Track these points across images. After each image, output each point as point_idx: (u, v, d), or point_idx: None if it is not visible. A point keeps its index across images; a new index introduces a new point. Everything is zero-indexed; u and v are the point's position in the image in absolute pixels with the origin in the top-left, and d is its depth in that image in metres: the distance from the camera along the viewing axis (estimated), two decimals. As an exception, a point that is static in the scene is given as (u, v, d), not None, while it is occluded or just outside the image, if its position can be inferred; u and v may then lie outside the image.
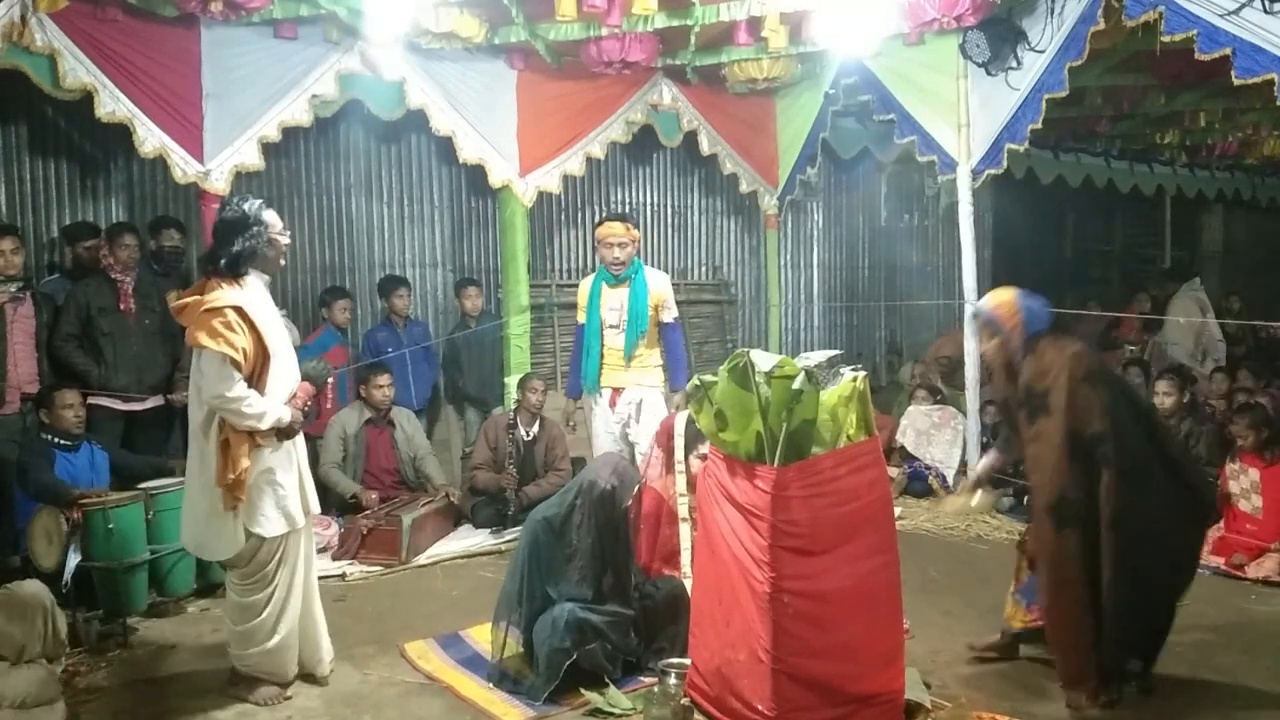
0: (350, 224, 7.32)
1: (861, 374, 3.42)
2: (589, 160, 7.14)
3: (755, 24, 6.11)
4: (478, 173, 6.87)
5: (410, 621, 4.55)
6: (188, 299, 3.52)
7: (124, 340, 5.46)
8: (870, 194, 9.74)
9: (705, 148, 7.66)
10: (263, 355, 3.44)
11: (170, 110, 5.53)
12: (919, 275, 9.85)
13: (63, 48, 5.13)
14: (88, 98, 5.30)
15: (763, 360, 3.22)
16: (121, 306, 5.45)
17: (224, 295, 3.37)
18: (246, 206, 3.55)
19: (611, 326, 5.38)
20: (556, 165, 6.93)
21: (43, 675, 3.46)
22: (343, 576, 5.27)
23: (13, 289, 5.23)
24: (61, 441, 4.85)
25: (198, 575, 4.86)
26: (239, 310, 3.29)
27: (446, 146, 6.85)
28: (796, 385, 3.12)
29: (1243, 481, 5.34)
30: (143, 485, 4.77)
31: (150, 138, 5.48)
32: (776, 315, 8.48)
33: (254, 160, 5.84)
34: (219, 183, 5.73)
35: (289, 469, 3.59)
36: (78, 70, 5.20)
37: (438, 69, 6.35)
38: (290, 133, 6.14)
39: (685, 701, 3.45)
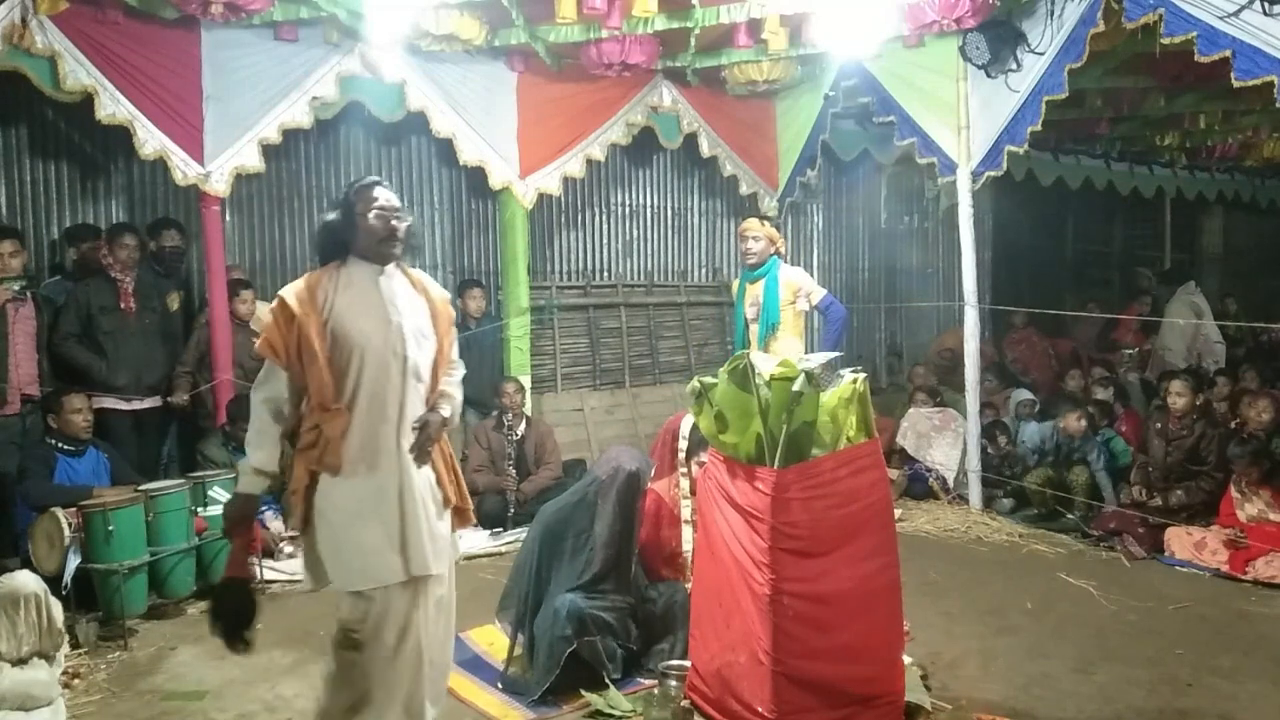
0: (350, 226, 7.30)
1: (861, 376, 3.42)
2: (589, 162, 7.15)
3: (755, 26, 6.12)
4: (478, 175, 6.87)
5: (410, 623, 4.53)
6: None
7: (125, 339, 5.48)
8: (870, 196, 9.74)
9: (705, 150, 7.66)
10: (305, 357, 2.78)
11: (170, 112, 5.54)
12: (919, 277, 9.85)
13: (63, 50, 5.14)
14: (88, 100, 5.31)
15: (763, 362, 3.22)
16: (122, 306, 5.48)
17: (285, 288, 2.89)
18: (347, 186, 3.02)
19: (751, 320, 5.64)
20: (557, 167, 6.94)
21: (43, 676, 3.46)
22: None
23: (15, 289, 5.23)
24: (65, 446, 4.85)
25: (197, 577, 4.86)
26: (281, 302, 2.82)
27: (447, 148, 6.85)
28: (796, 387, 3.12)
29: (1256, 504, 5.35)
30: (143, 487, 4.76)
31: (150, 140, 5.49)
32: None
33: (254, 162, 5.85)
34: (219, 185, 5.74)
35: (374, 515, 2.79)
36: (78, 72, 5.21)
37: (438, 71, 6.36)
38: (290, 135, 6.15)
39: (685, 703, 3.44)
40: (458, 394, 3.14)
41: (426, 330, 2.96)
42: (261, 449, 2.83)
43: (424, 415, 2.91)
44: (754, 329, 5.64)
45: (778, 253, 5.67)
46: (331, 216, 2.92)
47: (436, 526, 2.94)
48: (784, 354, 5.35)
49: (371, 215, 2.87)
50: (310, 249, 3.02)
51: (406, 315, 2.91)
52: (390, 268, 2.95)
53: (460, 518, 3.13)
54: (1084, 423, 6.29)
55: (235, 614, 2.81)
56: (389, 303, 2.90)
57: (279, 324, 2.80)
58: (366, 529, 2.79)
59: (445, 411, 3.00)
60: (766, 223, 5.72)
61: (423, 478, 2.90)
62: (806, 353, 5.44)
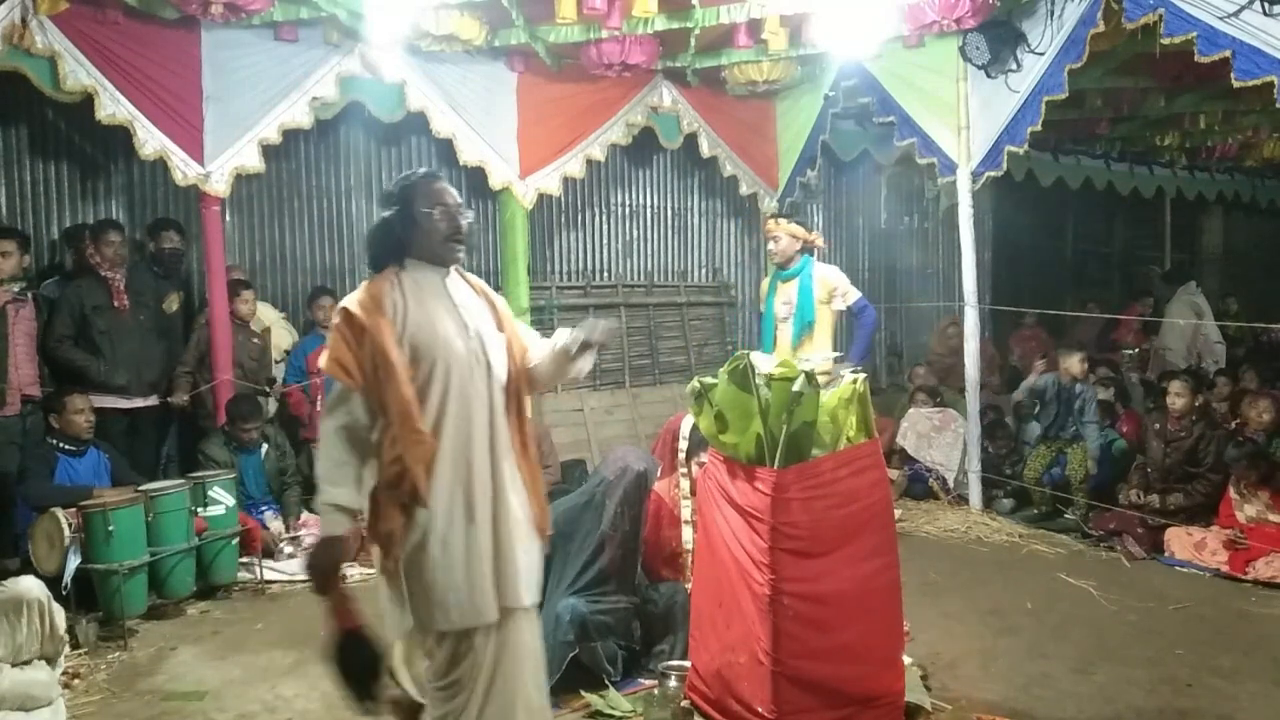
0: (350, 226, 7.32)
1: (861, 376, 3.42)
2: (589, 162, 7.15)
3: (755, 26, 6.12)
4: (478, 175, 6.87)
5: (410, 623, 4.53)
6: None
7: (121, 338, 5.47)
8: (870, 196, 9.75)
9: (705, 150, 7.66)
10: (382, 374, 2.43)
11: (170, 112, 5.54)
12: (919, 277, 9.86)
13: (63, 50, 5.15)
14: (88, 100, 5.31)
15: (763, 362, 3.22)
16: (116, 304, 5.47)
17: (352, 295, 2.56)
18: (391, 183, 2.71)
19: (783, 320, 5.58)
20: (556, 167, 6.95)
21: (43, 677, 3.46)
22: (342, 578, 5.25)
23: (15, 290, 5.23)
24: (66, 446, 4.85)
25: (197, 577, 4.86)
26: (345, 313, 2.47)
27: (447, 149, 6.85)
28: (796, 388, 3.12)
29: (1256, 505, 5.35)
30: (143, 487, 4.76)
31: (150, 140, 5.49)
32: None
33: (254, 162, 5.85)
34: (219, 185, 5.74)
35: (468, 547, 2.48)
36: (78, 72, 5.21)
37: (438, 71, 6.36)
38: (290, 135, 6.15)
39: (685, 704, 3.44)
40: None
41: (498, 336, 2.64)
42: (342, 484, 2.44)
43: (588, 322, 2.64)
44: (784, 328, 5.55)
45: (810, 249, 5.59)
46: (388, 214, 2.58)
47: (529, 553, 2.61)
48: (818, 355, 5.38)
49: (436, 212, 2.56)
50: (364, 251, 2.80)
51: (480, 320, 2.61)
52: (452, 270, 2.65)
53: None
54: (1085, 365, 6.28)
55: (362, 669, 2.47)
56: (461, 308, 2.59)
57: (346, 339, 2.44)
58: (460, 563, 2.46)
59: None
60: (784, 220, 5.59)
61: (517, 500, 2.59)
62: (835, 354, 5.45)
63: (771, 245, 5.57)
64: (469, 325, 2.57)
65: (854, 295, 5.54)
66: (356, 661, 2.47)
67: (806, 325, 5.47)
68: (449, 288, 2.61)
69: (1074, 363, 6.31)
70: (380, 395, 2.43)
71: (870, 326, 5.57)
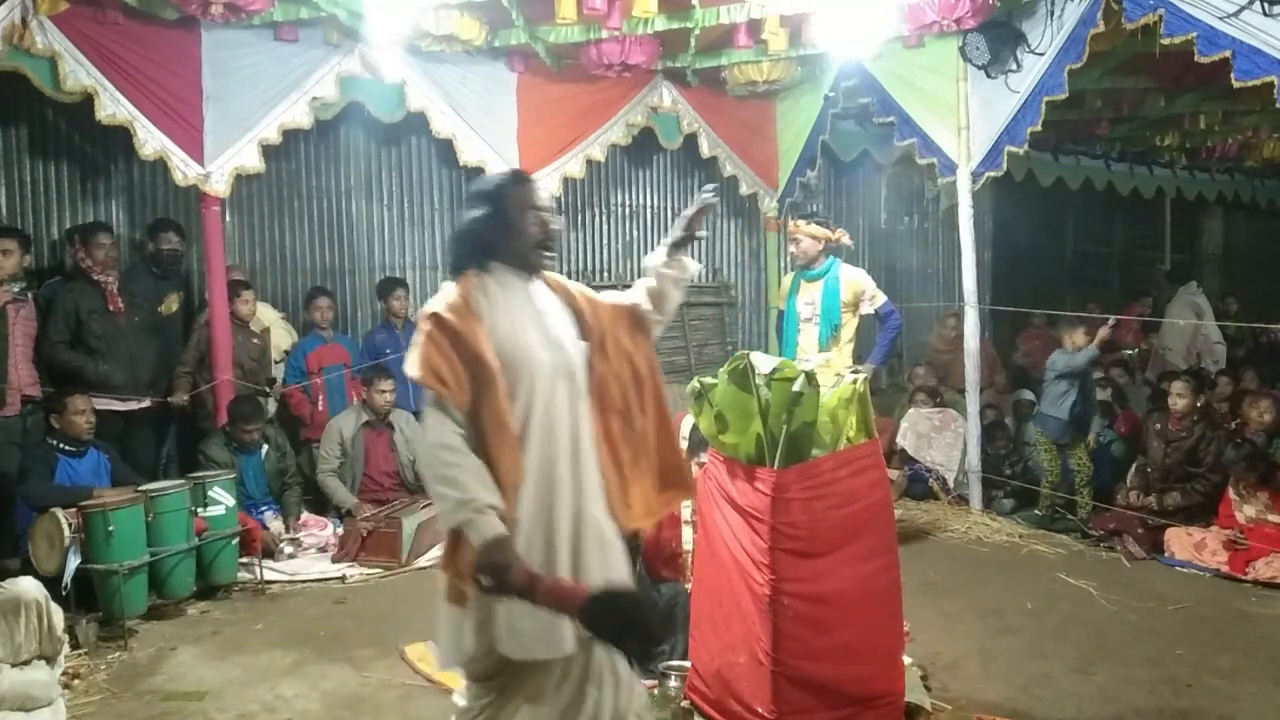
0: (350, 226, 7.32)
1: (862, 376, 3.42)
2: (589, 163, 7.15)
3: (755, 26, 6.12)
4: (478, 175, 6.86)
5: (410, 624, 4.53)
6: None
7: (117, 341, 5.46)
8: (870, 196, 9.74)
9: (705, 150, 7.66)
10: (478, 382, 2.30)
11: (170, 113, 5.54)
12: (919, 277, 9.85)
13: (63, 50, 5.14)
14: (88, 100, 5.31)
15: (763, 363, 3.22)
16: (111, 308, 5.45)
17: (433, 300, 2.41)
18: (481, 181, 2.61)
19: (806, 320, 5.52)
20: (557, 168, 6.94)
21: (43, 677, 3.46)
22: (343, 579, 5.27)
23: (15, 290, 5.23)
24: (66, 446, 4.85)
25: (197, 578, 4.86)
26: (436, 318, 2.33)
27: (447, 149, 6.86)
28: (796, 388, 3.12)
29: (1255, 505, 5.35)
30: (143, 487, 4.76)
31: (150, 140, 5.49)
32: (777, 318, 8.47)
33: (254, 163, 5.85)
34: (219, 185, 5.74)
35: (547, 569, 2.32)
36: (78, 73, 5.21)
37: (438, 71, 6.36)
38: (290, 135, 6.15)
39: (685, 704, 3.44)
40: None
41: (580, 345, 2.49)
42: (484, 484, 2.25)
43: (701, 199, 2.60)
44: (808, 329, 5.47)
45: (837, 249, 5.53)
46: (479, 215, 2.45)
47: (613, 570, 2.42)
48: (845, 358, 5.37)
49: (530, 216, 2.45)
50: (450, 252, 2.63)
51: (563, 329, 2.47)
52: (536, 276, 2.52)
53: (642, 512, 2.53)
54: (1088, 335, 6.26)
55: (630, 623, 2.20)
56: (545, 315, 2.46)
57: (439, 345, 2.29)
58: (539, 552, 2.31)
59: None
60: (803, 222, 5.48)
61: (599, 513, 2.42)
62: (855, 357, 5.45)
63: (793, 248, 5.51)
64: (552, 333, 2.44)
65: (880, 299, 5.47)
66: (620, 620, 2.18)
67: (834, 328, 5.40)
68: (533, 295, 2.48)
69: (1079, 336, 6.28)
70: (474, 405, 2.29)
71: (894, 331, 5.52)
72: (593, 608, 2.18)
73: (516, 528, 2.28)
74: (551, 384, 2.38)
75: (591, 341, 2.50)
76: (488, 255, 2.45)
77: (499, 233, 2.44)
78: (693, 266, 2.71)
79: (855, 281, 5.45)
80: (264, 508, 5.76)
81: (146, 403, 5.67)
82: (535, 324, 2.42)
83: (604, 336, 2.53)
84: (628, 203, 8.48)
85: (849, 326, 5.43)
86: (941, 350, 8.14)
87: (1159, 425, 5.88)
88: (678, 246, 2.66)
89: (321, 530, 5.84)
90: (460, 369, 2.28)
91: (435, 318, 2.33)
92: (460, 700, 2.50)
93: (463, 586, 2.30)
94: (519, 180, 2.51)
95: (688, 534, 3.99)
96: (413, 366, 2.32)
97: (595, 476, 2.44)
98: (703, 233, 2.71)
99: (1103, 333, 6.12)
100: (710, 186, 2.65)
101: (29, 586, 3.60)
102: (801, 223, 5.48)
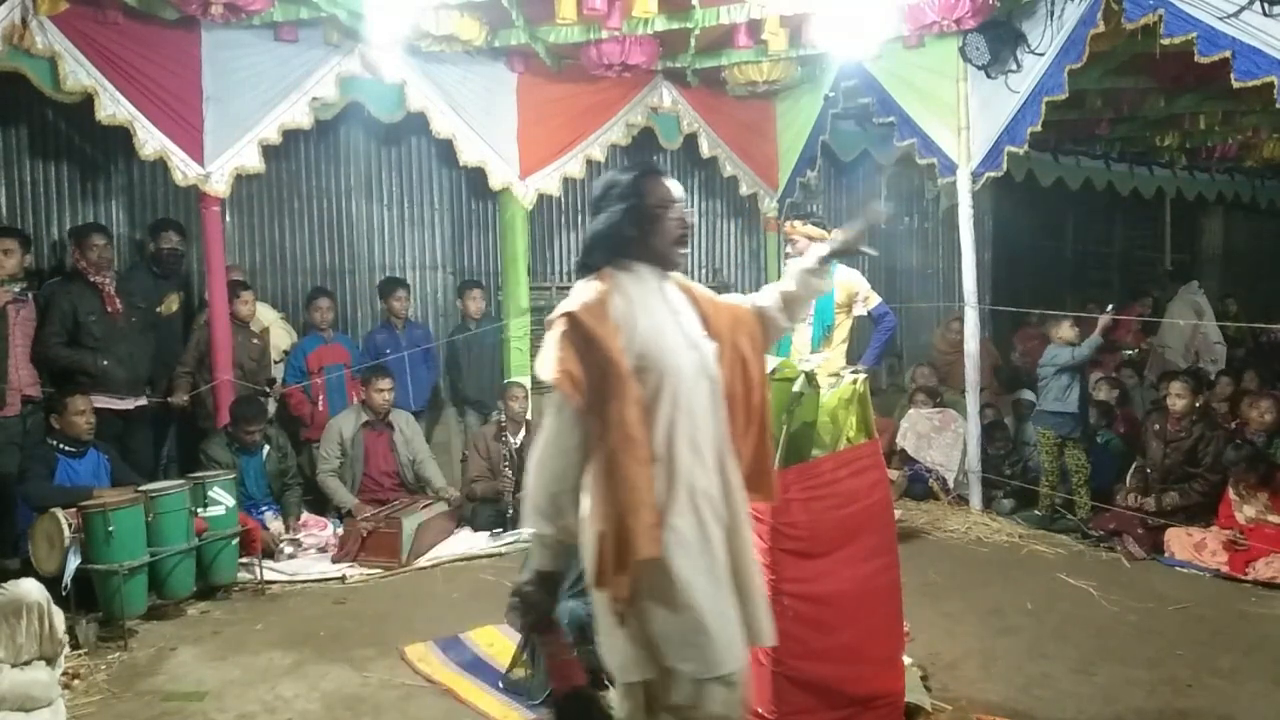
0: (350, 226, 7.32)
1: (862, 376, 3.42)
2: (589, 163, 7.14)
3: (755, 27, 6.12)
4: (478, 175, 6.88)
5: (410, 624, 4.55)
6: None
7: (115, 341, 5.45)
8: (870, 196, 9.73)
9: (705, 150, 7.66)
10: (609, 389, 2.17)
11: (170, 113, 5.54)
12: (919, 278, 9.85)
13: (63, 50, 5.15)
14: (88, 100, 5.31)
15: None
16: (109, 309, 5.44)
17: (567, 300, 2.30)
18: (614, 176, 2.43)
19: (800, 320, 5.45)
20: (556, 168, 6.95)
21: (43, 677, 3.46)
22: (343, 579, 5.27)
23: (16, 289, 5.23)
24: (66, 447, 4.85)
25: (197, 578, 4.86)
26: (571, 318, 2.21)
27: (447, 149, 6.86)
28: (797, 388, 3.12)
29: (1255, 505, 5.35)
30: (143, 488, 4.76)
31: (150, 140, 5.49)
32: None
33: (254, 163, 5.85)
34: (219, 185, 5.75)
35: (711, 581, 2.22)
36: (78, 73, 5.21)
37: (438, 72, 6.36)
38: (290, 135, 6.15)
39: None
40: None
41: (711, 344, 2.38)
42: (566, 514, 2.19)
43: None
44: (801, 330, 5.43)
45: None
46: (618, 210, 2.33)
47: (762, 603, 2.33)
48: (837, 359, 5.35)
49: (670, 211, 2.35)
50: (584, 250, 2.41)
51: (696, 329, 2.36)
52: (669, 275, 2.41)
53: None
54: (1076, 329, 6.26)
55: None
56: (679, 314, 2.35)
57: (574, 348, 2.17)
58: (707, 601, 2.19)
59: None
60: (799, 223, 5.41)
61: (750, 532, 2.34)
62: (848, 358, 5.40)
63: (789, 249, 5.48)
64: (691, 335, 2.32)
65: (875, 300, 5.46)
66: None
67: (826, 329, 5.39)
68: (667, 294, 2.37)
69: (1065, 329, 6.28)
70: (601, 412, 2.16)
71: (889, 332, 5.51)
72: (573, 701, 2.23)
73: (669, 538, 2.16)
74: (694, 385, 2.26)
75: (718, 345, 2.40)
76: (625, 253, 2.34)
77: (639, 229, 2.33)
78: (827, 284, 2.62)
79: (850, 282, 5.44)
80: (264, 508, 5.76)
81: (144, 401, 5.66)
82: (674, 323, 2.31)
83: (724, 340, 2.42)
84: (628, 203, 8.46)
85: (842, 327, 5.43)
86: (945, 352, 8.14)
87: (1157, 425, 5.88)
88: (834, 256, 2.61)
89: (321, 530, 5.84)
90: (590, 374, 2.17)
91: (571, 318, 2.20)
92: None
93: (616, 602, 2.17)
94: (656, 174, 2.40)
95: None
96: (545, 368, 2.20)
97: (742, 489, 2.33)
98: (872, 250, 2.65)
99: (1104, 320, 6.12)
100: (880, 202, 2.62)
101: (31, 589, 3.60)
102: (798, 223, 5.43)
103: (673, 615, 2.16)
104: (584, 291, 2.27)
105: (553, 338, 2.23)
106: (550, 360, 2.20)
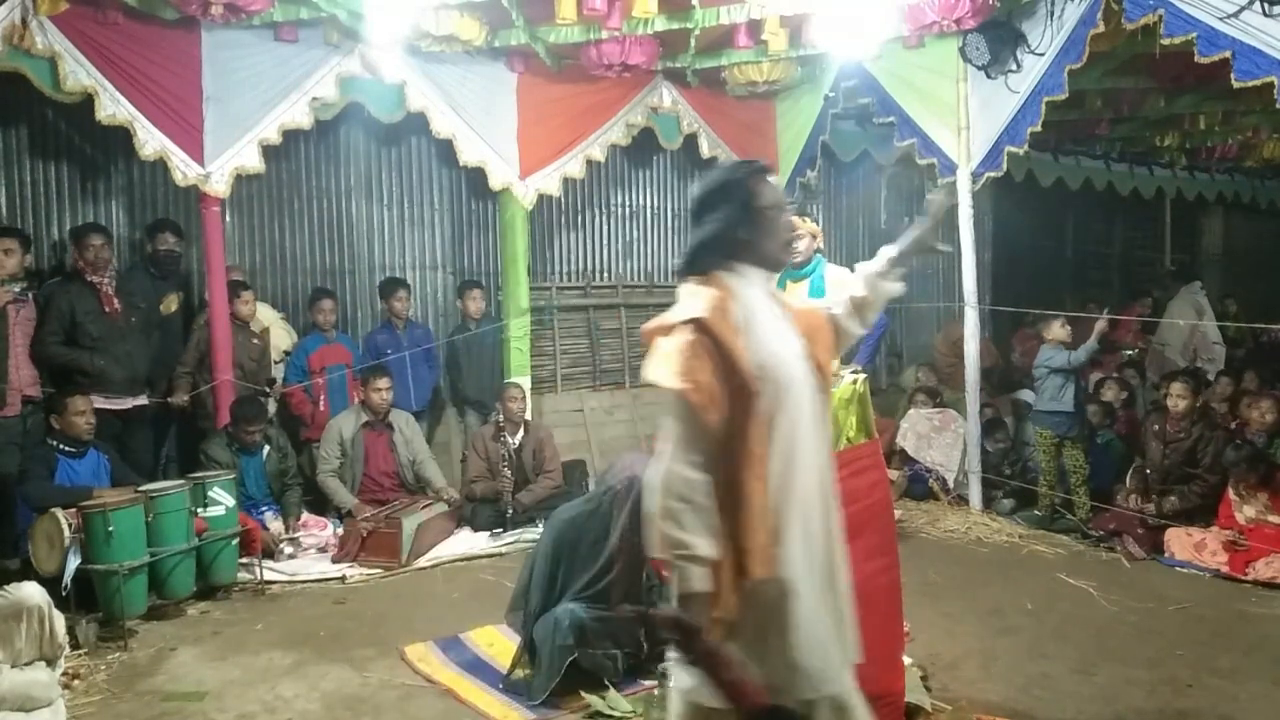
0: (350, 227, 7.32)
1: (862, 376, 3.43)
2: (589, 163, 7.15)
3: (755, 27, 6.12)
4: (478, 175, 6.87)
5: (410, 624, 4.55)
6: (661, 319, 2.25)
7: (114, 342, 5.44)
8: (870, 196, 9.74)
9: (705, 150, 7.66)
10: (740, 402, 2.07)
11: (170, 113, 5.54)
12: (919, 278, 9.83)
13: (63, 50, 5.15)
14: (88, 100, 5.31)
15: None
16: (107, 309, 5.43)
17: (692, 303, 2.15)
18: (722, 174, 2.31)
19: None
20: (557, 168, 6.94)
21: (43, 677, 3.46)
22: (343, 579, 5.27)
23: (16, 289, 5.23)
24: (66, 447, 4.85)
25: (197, 578, 4.85)
26: (700, 325, 2.07)
27: (447, 149, 6.86)
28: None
29: (1255, 506, 5.35)
30: (143, 488, 4.76)
31: (150, 140, 5.49)
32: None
33: (254, 163, 5.85)
34: (219, 185, 5.74)
35: (818, 599, 2.17)
36: (78, 73, 5.21)
37: (438, 72, 6.36)
38: (290, 135, 6.15)
39: (685, 704, 3.43)
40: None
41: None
42: (707, 530, 2.05)
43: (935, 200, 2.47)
44: None
45: (819, 249, 5.47)
46: (730, 211, 2.20)
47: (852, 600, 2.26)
48: (846, 372, 5.32)
49: (782, 215, 2.26)
50: (694, 253, 2.24)
51: (795, 335, 2.24)
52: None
53: None
54: (1067, 328, 6.26)
55: None
56: (782, 320, 2.23)
57: (705, 357, 2.05)
58: (817, 620, 2.14)
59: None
60: (808, 219, 5.39)
61: (843, 558, 2.26)
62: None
63: (796, 244, 5.44)
64: (792, 340, 2.20)
65: None
66: None
67: None
68: (774, 300, 2.25)
69: (1055, 328, 6.28)
70: (728, 426, 2.05)
71: (880, 331, 5.48)
72: (777, 717, 2.04)
73: (785, 555, 2.08)
74: (802, 396, 2.14)
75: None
76: (735, 256, 2.20)
77: (752, 230, 2.20)
78: (898, 287, 2.49)
79: (842, 281, 5.42)
80: (264, 508, 5.76)
81: (144, 400, 5.66)
82: (782, 330, 2.19)
83: (821, 344, 2.31)
84: (628, 203, 8.48)
85: None
86: (945, 355, 8.15)
87: (1157, 426, 5.88)
88: (907, 256, 2.48)
89: (321, 530, 5.84)
90: (719, 386, 2.03)
91: (699, 324, 2.06)
92: None
93: (728, 620, 2.07)
94: (765, 173, 2.27)
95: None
96: (669, 376, 2.05)
97: (839, 505, 2.25)
98: (947, 247, 2.51)
99: (1100, 326, 6.12)
100: (945, 182, 2.49)
101: (32, 592, 3.59)
102: (801, 219, 5.44)
103: (781, 636, 2.10)
104: (700, 297, 2.13)
105: (676, 345, 2.08)
106: (676, 369, 2.05)
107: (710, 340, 2.06)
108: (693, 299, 2.14)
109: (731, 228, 2.20)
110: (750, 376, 2.06)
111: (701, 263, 2.22)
